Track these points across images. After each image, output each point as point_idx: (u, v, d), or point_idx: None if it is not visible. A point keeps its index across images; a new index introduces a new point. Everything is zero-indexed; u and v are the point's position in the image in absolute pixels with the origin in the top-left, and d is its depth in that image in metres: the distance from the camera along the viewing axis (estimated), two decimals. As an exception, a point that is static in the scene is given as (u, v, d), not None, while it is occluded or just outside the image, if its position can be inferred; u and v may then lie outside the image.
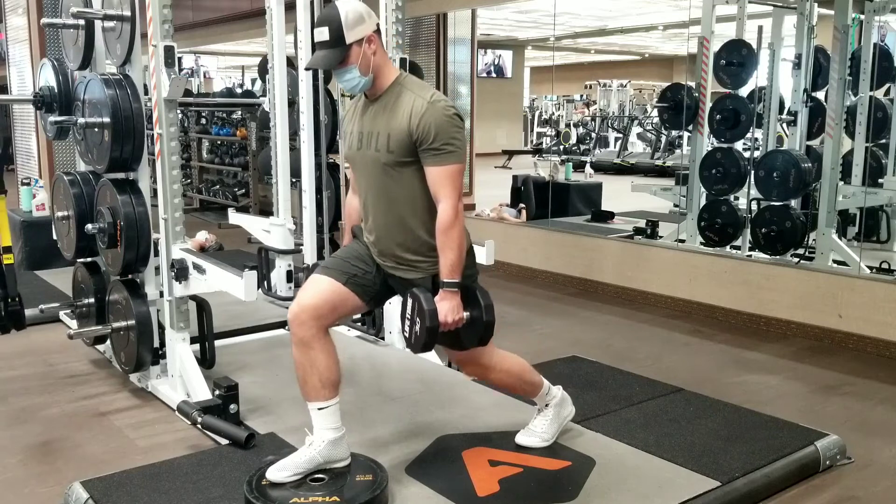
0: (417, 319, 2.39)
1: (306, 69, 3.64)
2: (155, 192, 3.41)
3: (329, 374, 2.46)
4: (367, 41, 2.39)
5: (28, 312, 3.89)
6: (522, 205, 7.30)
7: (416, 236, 2.46)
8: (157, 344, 3.48)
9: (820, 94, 5.57)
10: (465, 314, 2.43)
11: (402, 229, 2.47)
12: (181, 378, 3.35)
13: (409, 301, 2.43)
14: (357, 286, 2.53)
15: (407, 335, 2.47)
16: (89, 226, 3.43)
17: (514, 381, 2.80)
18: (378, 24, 2.46)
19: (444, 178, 2.36)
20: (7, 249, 3.47)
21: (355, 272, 2.53)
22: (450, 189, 2.36)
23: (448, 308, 2.37)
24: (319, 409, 2.49)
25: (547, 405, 2.87)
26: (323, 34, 2.37)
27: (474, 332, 2.48)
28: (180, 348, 3.36)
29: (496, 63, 15.62)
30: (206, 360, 3.49)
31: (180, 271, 3.26)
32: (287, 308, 2.60)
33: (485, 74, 14.79)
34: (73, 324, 4.23)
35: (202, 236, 6.52)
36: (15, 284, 3.48)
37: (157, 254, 3.43)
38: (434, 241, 2.42)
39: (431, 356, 3.84)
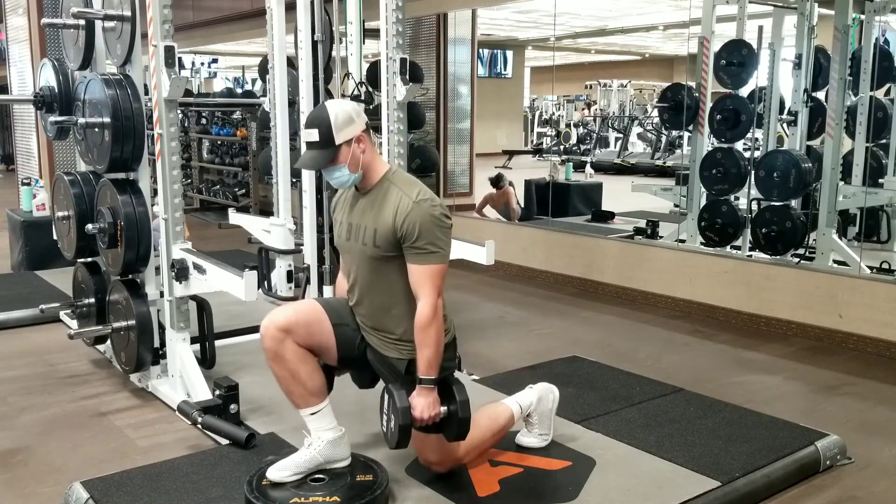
0: (392, 416, 2.41)
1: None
2: (155, 192, 3.41)
3: (312, 382, 2.47)
4: (356, 141, 2.42)
5: (28, 312, 3.93)
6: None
7: (400, 325, 2.48)
8: (157, 344, 3.48)
9: (820, 94, 5.58)
10: (442, 409, 2.43)
11: (387, 317, 2.50)
12: (181, 378, 3.35)
13: (385, 397, 2.46)
14: (341, 336, 2.53)
15: (384, 431, 2.50)
16: (89, 226, 3.43)
17: (490, 443, 2.73)
18: (367, 124, 2.48)
19: (424, 277, 2.38)
20: None
21: (348, 322, 2.56)
22: (429, 288, 2.38)
23: (424, 404, 2.39)
24: (311, 414, 2.50)
25: (529, 416, 2.86)
26: (312, 135, 2.40)
27: (450, 426, 2.47)
28: (180, 348, 3.36)
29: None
30: (206, 360, 3.49)
31: (180, 271, 3.25)
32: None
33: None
34: (74, 324, 4.23)
35: None
36: None
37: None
38: None
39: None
